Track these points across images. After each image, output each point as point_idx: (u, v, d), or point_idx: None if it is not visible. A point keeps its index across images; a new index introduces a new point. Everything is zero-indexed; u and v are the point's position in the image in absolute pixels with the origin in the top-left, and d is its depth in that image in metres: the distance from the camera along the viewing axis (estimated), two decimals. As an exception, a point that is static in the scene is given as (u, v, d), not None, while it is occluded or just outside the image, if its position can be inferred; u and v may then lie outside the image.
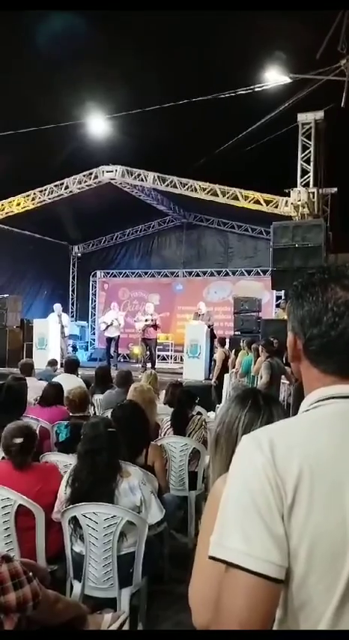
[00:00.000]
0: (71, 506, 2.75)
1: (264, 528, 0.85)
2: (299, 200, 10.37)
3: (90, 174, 13.10)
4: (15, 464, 2.98)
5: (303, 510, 0.85)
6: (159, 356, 13.86)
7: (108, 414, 4.36)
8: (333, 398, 0.96)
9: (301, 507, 0.86)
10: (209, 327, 11.20)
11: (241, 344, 9.07)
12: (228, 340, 10.59)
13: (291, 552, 0.85)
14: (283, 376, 7.29)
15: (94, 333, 17.82)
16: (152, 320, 11.87)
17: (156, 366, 11.57)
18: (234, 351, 9.53)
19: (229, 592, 0.85)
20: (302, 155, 10.59)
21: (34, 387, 5.65)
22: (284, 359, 6.99)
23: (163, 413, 5.04)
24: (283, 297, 12.88)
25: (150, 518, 2.87)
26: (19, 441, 2.91)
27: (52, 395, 5.01)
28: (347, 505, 0.85)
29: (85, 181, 13.19)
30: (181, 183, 12.16)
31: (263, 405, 1.46)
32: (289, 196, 10.67)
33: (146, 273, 17.52)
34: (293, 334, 1.05)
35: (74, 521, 2.76)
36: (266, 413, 1.44)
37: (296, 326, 1.04)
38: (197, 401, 5.12)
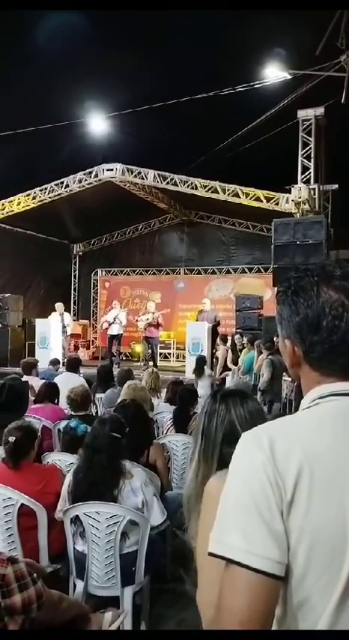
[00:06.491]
0: (73, 505, 2.74)
1: (264, 526, 0.85)
2: (300, 197, 10.34)
3: (91, 172, 13.08)
4: (9, 464, 2.95)
5: (303, 508, 0.85)
6: (161, 354, 13.85)
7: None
8: (334, 395, 0.95)
9: (300, 505, 0.85)
10: (217, 322, 11.21)
11: (238, 341, 9.05)
12: (230, 338, 10.58)
13: (291, 549, 0.85)
14: (285, 373, 7.28)
15: (96, 332, 17.82)
16: (154, 318, 11.87)
17: (158, 364, 11.57)
18: (231, 349, 9.51)
19: (229, 589, 0.85)
20: (303, 152, 10.56)
21: (36, 387, 5.65)
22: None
23: (165, 411, 5.03)
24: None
25: (152, 520, 2.86)
26: (12, 439, 2.90)
27: (44, 394, 4.99)
28: (347, 503, 0.85)
29: (86, 180, 13.16)
30: (181, 180, 12.12)
31: (219, 401, 1.54)
32: (290, 193, 10.64)
33: (147, 272, 17.49)
34: (290, 342, 1.03)
35: (76, 520, 2.76)
36: (223, 409, 1.52)
37: (292, 334, 1.02)
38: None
